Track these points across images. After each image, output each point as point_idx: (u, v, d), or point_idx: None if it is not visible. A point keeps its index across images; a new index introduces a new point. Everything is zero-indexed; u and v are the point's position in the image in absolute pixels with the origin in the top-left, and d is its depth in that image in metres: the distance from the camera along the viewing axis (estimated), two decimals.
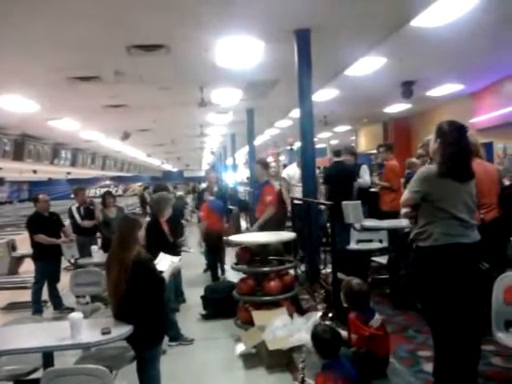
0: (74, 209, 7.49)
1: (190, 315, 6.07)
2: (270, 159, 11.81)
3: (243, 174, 18.89)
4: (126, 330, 3.25)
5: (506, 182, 4.20)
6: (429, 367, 3.35)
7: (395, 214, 5.50)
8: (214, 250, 7.76)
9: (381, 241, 6.00)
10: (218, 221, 7.63)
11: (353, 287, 3.52)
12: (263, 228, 6.19)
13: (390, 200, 6.37)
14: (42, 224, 6.64)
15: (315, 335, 3.17)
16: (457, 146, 2.84)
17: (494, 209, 3.82)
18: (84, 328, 3.22)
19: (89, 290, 5.72)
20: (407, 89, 9.09)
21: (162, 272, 3.58)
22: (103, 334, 3.17)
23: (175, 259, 4.02)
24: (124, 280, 3.30)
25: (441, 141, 2.87)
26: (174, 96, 9.17)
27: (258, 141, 17.85)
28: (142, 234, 3.56)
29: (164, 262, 3.75)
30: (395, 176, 6.82)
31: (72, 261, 7.97)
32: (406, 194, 2.98)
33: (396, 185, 6.73)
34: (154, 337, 3.45)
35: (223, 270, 7.95)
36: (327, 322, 4.13)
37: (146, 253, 3.51)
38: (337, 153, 6.92)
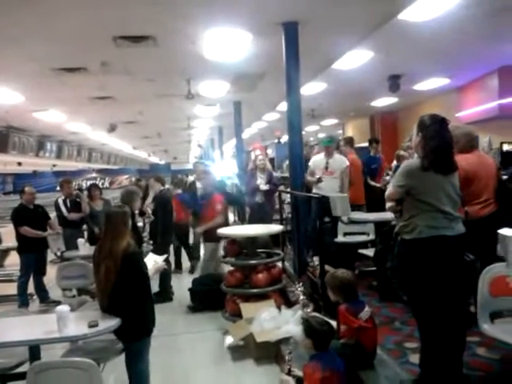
0: (60, 201, 7.40)
1: (177, 308, 6.07)
2: (257, 152, 11.74)
3: (231, 166, 18.83)
4: (113, 322, 3.24)
5: (504, 176, 4.19)
6: (415, 358, 3.39)
7: (355, 207, 6.06)
8: (181, 241, 8.29)
9: (367, 233, 6.04)
10: (187, 214, 8.03)
11: (338, 279, 3.55)
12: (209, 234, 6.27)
13: (350, 194, 6.36)
14: (27, 216, 6.57)
15: (311, 327, 3.18)
16: (439, 140, 2.85)
17: (491, 203, 3.82)
18: (71, 321, 3.20)
19: (75, 283, 5.66)
20: (394, 82, 9.13)
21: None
22: (90, 326, 3.16)
23: (159, 259, 4.07)
24: (114, 273, 3.29)
25: (422, 135, 2.89)
26: (161, 88, 9.10)
27: (246, 134, 17.81)
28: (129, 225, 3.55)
29: (148, 262, 3.75)
30: (354, 170, 6.82)
31: (58, 254, 7.91)
32: (390, 189, 3.00)
33: (354, 179, 6.74)
34: (142, 329, 3.44)
35: (193, 268, 8.00)
36: (314, 314, 4.17)
37: (135, 245, 3.50)
38: None
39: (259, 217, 7.82)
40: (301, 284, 4.88)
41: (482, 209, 3.73)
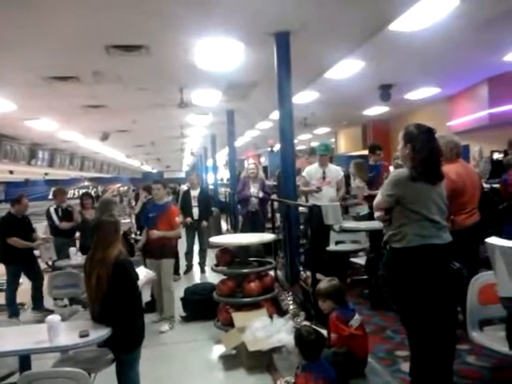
0: (52, 210, 7.35)
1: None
2: (250, 161, 11.77)
3: (224, 174, 18.88)
4: (104, 332, 3.22)
5: (485, 185, 4.26)
6: (406, 367, 3.39)
7: None
8: None
9: (358, 242, 6.06)
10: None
11: (325, 285, 3.57)
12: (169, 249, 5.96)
13: None
14: (16, 226, 6.46)
15: (300, 337, 3.19)
16: (428, 151, 2.87)
17: (475, 213, 3.87)
18: (62, 331, 3.18)
19: (67, 293, 5.64)
20: (385, 92, 9.23)
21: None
22: (81, 336, 3.14)
23: (150, 272, 4.07)
24: (106, 281, 3.28)
25: (411, 146, 2.90)
26: (154, 97, 9.13)
27: (239, 142, 17.85)
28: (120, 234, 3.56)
29: (139, 273, 3.74)
30: None
31: (49, 263, 7.85)
32: (379, 198, 3.00)
33: None
34: (132, 340, 3.43)
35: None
36: (305, 323, 4.17)
37: (126, 253, 3.50)
38: None
39: (252, 225, 7.83)
40: (290, 293, 4.89)
41: (467, 218, 3.78)
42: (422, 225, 2.81)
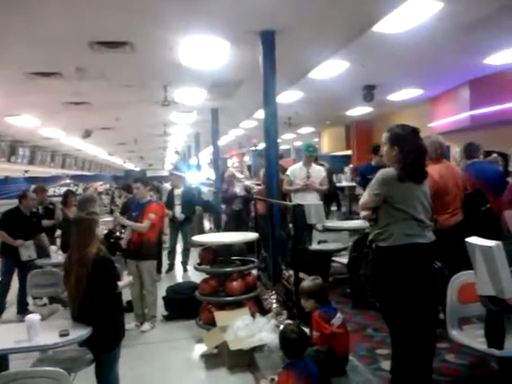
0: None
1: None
2: (234, 159, 11.78)
3: (207, 173, 18.81)
4: (84, 332, 3.20)
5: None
6: (386, 365, 3.44)
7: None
8: None
9: (341, 241, 6.10)
10: None
11: (308, 284, 3.59)
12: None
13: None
14: (15, 221, 6.41)
15: (284, 336, 3.20)
16: (415, 152, 2.92)
17: (458, 213, 3.92)
18: (41, 330, 3.15)
19: (47, 292, 5.56)
20: (368, 92, 9.29)
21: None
22: (61, 335, 3.11)
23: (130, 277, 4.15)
24: (85, 280, 3.25)
25: (399, 148, 2.92)
26: (138, 94, 9.04)
27: (223, 141, 17.82)
28: (100, 231, 3.52)
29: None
30: None
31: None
32: (365, 197, 3.02)
33: None
34: (112, 340, 3.40)
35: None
36: (288, 322, 4.18)
37: (106, 251, 3.47)
38: None
39: (236, 224, 7.84)
40: (273, 292, 4.90)
41: (450, 218, 3.83)
42: (408, 224, 2.84)
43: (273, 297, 4.89)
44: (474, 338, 2.89)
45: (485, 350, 2.73)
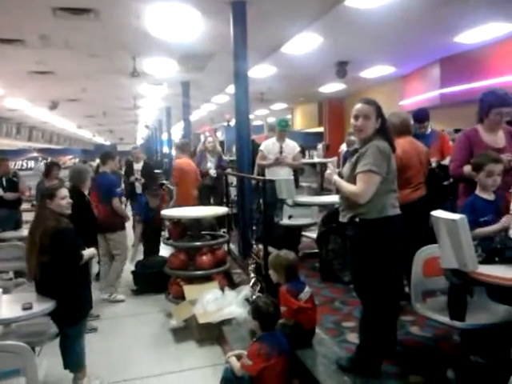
0: None
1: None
2: (206, 134, 11.63)
3: None
4: (48, 305, 3.14)
5: (433, 164, 4.36)
6: (352, 337, 3.49)
7: None
8: None
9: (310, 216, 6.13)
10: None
11: (281, 259, 3.58)
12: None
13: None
14: None
15: (258, 308, 3.19)
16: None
17: (420, 188, 3.97)
18: (4, 303, 3.08)
19: (12, 266, 5.40)
20: (341, 68, 9.28)
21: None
22: (24, 309, 3.06)
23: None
24: (45, 252, 3.20)
25: (382, 120, 2.91)
26: (105, 64, 8.79)
27: (195, 116, 17.59)
28: (61, 203, 3.41)
29: None
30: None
31: None
32: (369, 180, 2.77)
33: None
34: (77, 313, 3.36)
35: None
36: (259, 295, 4.20)
37: (68, 222, 3.38)
38: None
39: (209, 200, 7.80)
40: (254, 261, 4.90)
41: (412, 193, 3.87)
42: (392, 195, 2.89)
43: (251, 267, 4.89)
44: (436, 310, 2.94)
45: (447, 322, 2.78)
